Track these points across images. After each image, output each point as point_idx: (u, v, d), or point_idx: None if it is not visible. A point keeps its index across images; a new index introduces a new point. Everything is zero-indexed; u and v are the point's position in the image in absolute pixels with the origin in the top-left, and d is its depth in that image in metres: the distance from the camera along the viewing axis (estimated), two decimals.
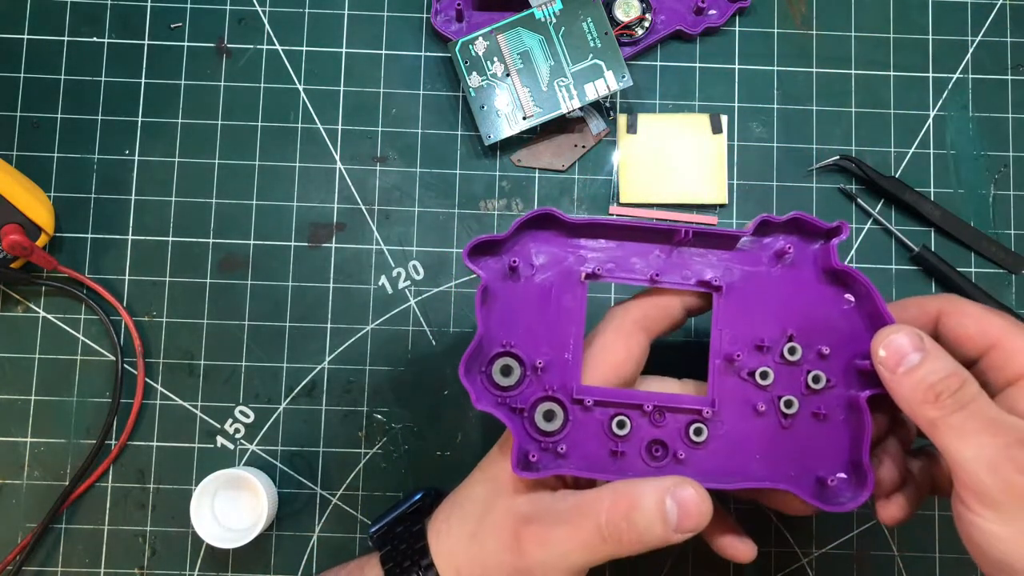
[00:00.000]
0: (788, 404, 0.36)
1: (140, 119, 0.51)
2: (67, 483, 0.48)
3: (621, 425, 0.36)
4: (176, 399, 0.49)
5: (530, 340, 0.36)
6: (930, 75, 0.52)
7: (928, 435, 0.31)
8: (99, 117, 0.50)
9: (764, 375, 0.36)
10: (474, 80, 0.49)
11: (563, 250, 0.37)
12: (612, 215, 0.50)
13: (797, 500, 0.36)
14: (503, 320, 0.36)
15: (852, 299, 0.36)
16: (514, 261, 0.35)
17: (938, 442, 0.31)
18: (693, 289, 0.37)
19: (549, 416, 0.36)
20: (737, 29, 0.52)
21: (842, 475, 0.36)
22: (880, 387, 0.34)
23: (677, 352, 0.50)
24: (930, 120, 0.51)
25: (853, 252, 0.50)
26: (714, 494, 0.34)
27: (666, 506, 0.32)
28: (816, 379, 0.36)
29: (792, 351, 0.36)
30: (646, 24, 0.50)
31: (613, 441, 0.36)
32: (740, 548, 0.37)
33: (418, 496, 0.45)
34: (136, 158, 0.50)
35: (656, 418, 0.36)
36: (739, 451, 0.36)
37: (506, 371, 0.36)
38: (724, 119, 0.51)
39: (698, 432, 0.36)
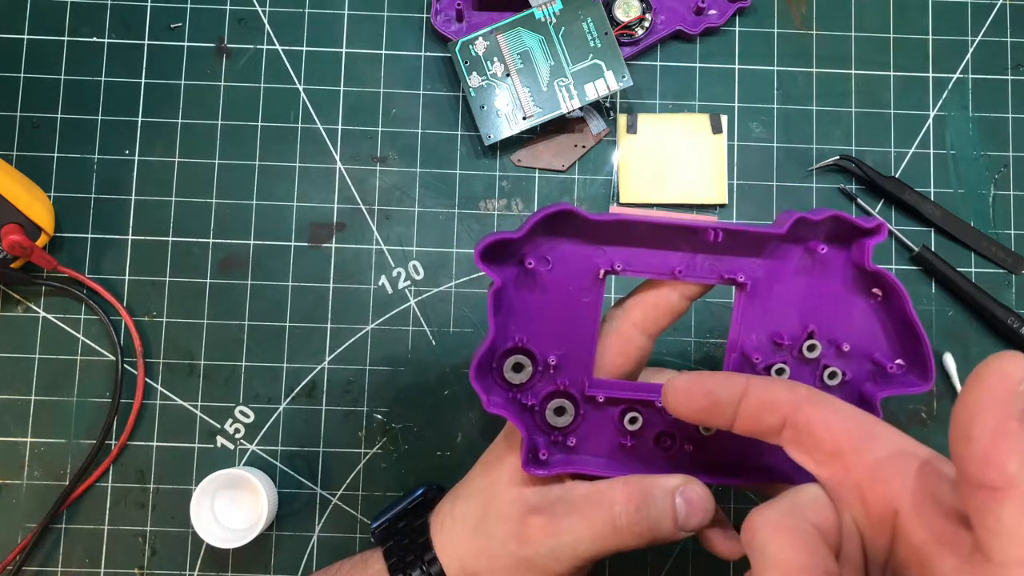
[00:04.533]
0: None
1: (140, 119, 0.51)
2: (67, 483, 0.48)
3: (633, 421, 0.36)
4: (176, 399, 0.49)
5: (544, 337, 0.36)
6: (930, 75, 0.52)
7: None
8: (99, 117, 0.50)
9: (780, 371, 0.36)
10: (474, 80, 0.49)
11: (581, 247, 0.35)
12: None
13: None
14: (515, 318, 0.35)
15: (879, 293, 0.36)
16: (530, 262, 0.34)
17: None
18: (717, 284, 0.36)
19: (560, 412, 0.36)
20: (737, 29, 0.52)
21: None
22: (897, 389, 0.35)
23: (679, 346, 0.50)
24: (930, 120, 0.51)
25: None
26: (711, 486, 0.34)
27: (676, 502, 0.33)
28: (832, 375, 0.36)
29: (811, 348, 0.36)
30: (646, 24, 0.50)
31: (623, 435, 0.36)
32: (728, 546, 0.38)
33: (420, 491, 0.45)
34: (136, 158, 0.50)
35: (667, 412, 0.36)
36: (747, 444, 0.36)
37: (518, 368, 0.35)
38: (724, 119, 0.51)
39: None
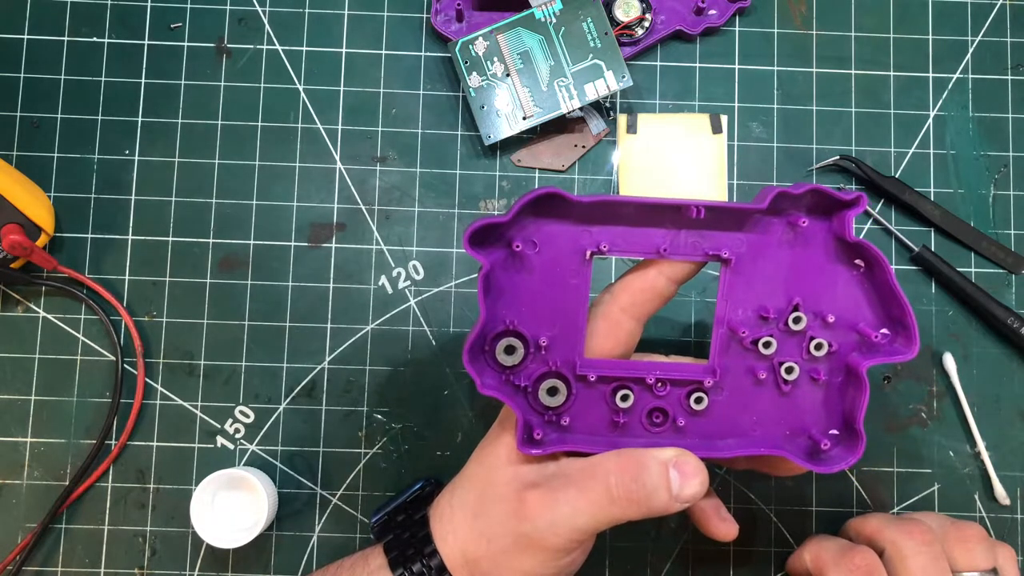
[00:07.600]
0: (789, 370, 0.36)
1: (140, 119, 0.51)
2: (67, 483, 0.48)
3: (625, 398, 0.36)
4: (176, 399, 0.49)
5: (534, 319, 0.36)
6: (930, 75, 0.52)
7: None
8: (99, 117, 0.50)
9: (767, 344, 0.36)
10: (474, 80, 0.49)
11: (567, 229, 0.36)
12: None
13: (789, 462, 0.37)
14: (506, 301, 0.36)
15: (862, 264, 0.36)
16: (517, 245, 0.35)
17: None
18: (701, 261, 0.36)
19: (552, 392, 0.36)
20: (737, 29, 0.52)
21: (835, 433, 0.37)
22: (883, 358, 0.35)
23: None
24: (930, 120, 0.51)
25: None
26: (707, 464, 0.35)
27: (670, 473, 0.34)
28: (818, 346, 0.36)
29: (797, 320, 0.36)
30: (646, 24, 0.50)
31: (615, 412, 0.37)
32: (723, 527, 0.38)
33: (418, 485, 0.45)
34: (136, 158, 0.50)
35: (658, 388, 0.36)
36: (737, 418, 0.37)
37: (510, 350, 0.36)
38: (724, 119, 0.51)
39: (698, 401, 0.37)
